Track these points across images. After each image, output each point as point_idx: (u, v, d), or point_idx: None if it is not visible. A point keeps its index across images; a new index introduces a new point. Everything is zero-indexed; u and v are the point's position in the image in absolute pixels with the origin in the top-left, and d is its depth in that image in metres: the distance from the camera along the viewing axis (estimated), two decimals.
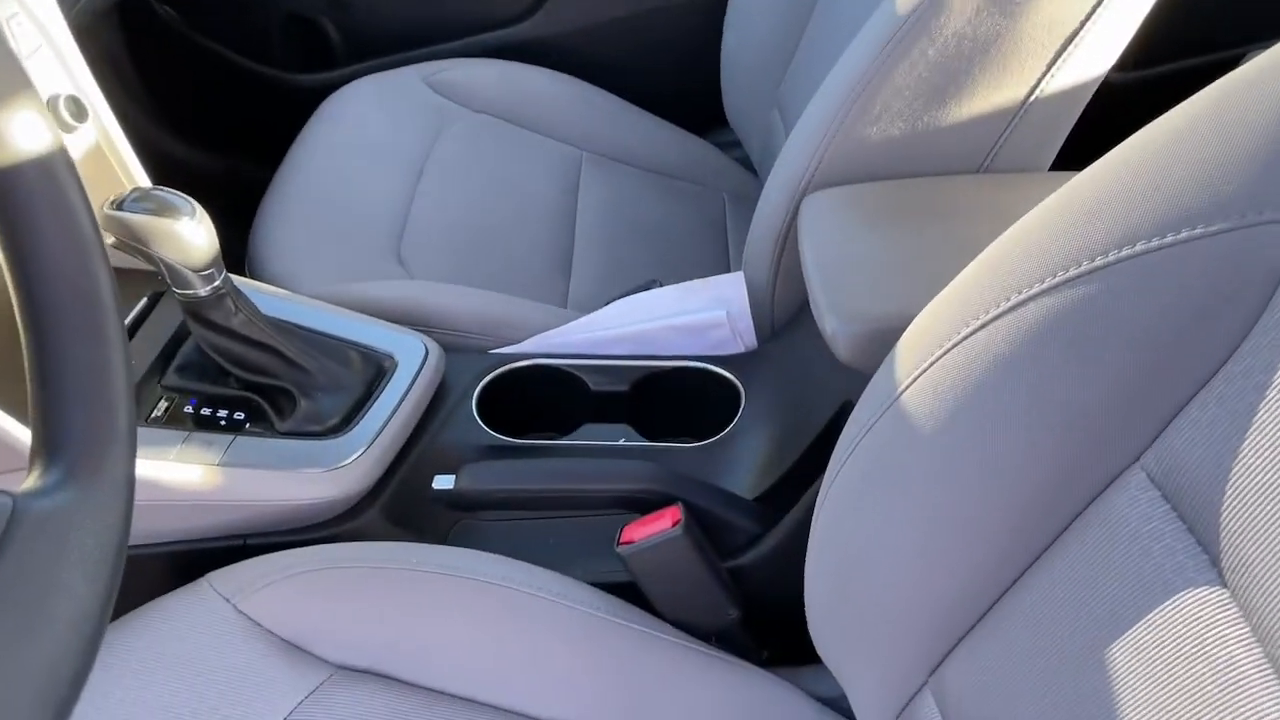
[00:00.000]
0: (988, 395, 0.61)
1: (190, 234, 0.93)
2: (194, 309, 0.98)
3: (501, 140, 1.57)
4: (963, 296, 0.65)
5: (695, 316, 1.14)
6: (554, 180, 1.52)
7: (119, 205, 0.93)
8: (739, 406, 1.13)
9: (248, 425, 1.01)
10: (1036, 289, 0.59)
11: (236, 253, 1.30)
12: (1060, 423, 0.58)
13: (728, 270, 1.24)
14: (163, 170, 1.18)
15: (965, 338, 0.64)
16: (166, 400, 1.02)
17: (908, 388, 0.68)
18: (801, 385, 1.11)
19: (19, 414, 0.87)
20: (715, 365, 1.16)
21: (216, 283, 0.97)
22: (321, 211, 1.35)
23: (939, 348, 0.66)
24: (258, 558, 0.91)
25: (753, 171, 1.68)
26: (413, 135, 1.52)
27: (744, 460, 1.08)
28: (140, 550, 0.97)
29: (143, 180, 1.09)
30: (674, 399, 1.16)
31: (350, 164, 1.44)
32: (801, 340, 1.15)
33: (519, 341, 1.19)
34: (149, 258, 0.94)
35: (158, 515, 0.95)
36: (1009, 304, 0.61)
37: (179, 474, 0.95)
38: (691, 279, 1.17)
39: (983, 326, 0.63)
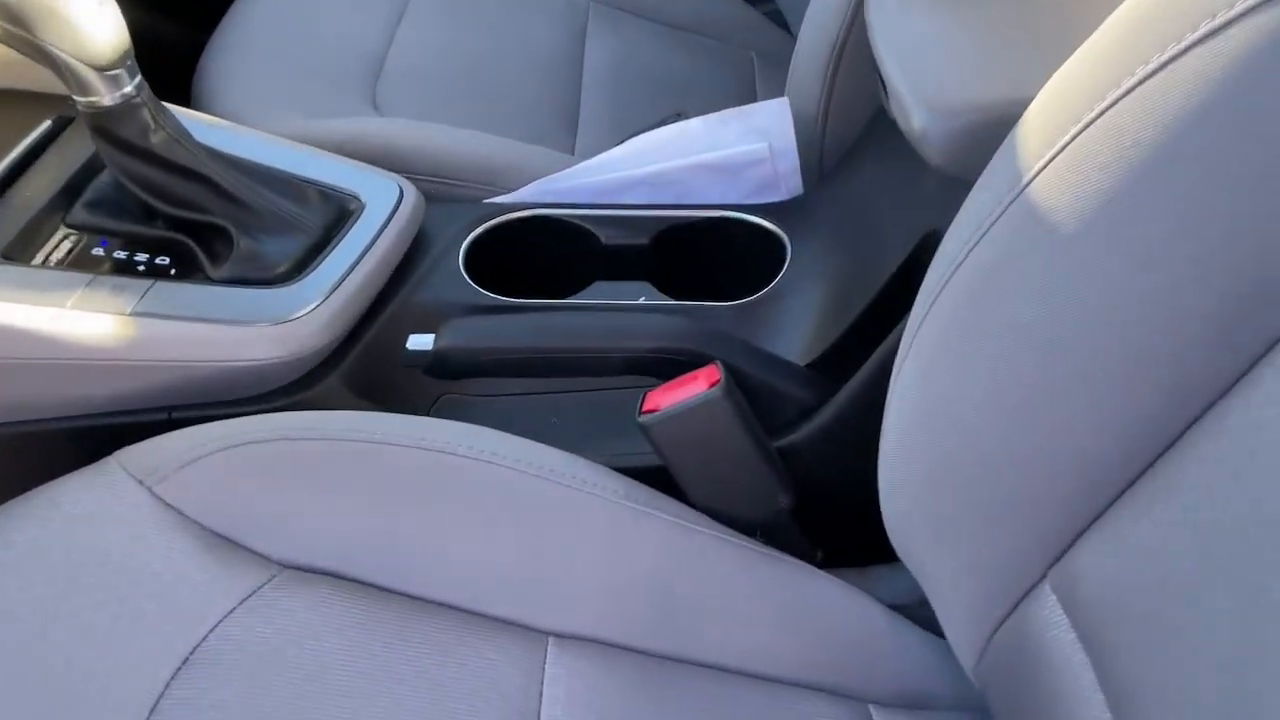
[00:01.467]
0: (1167, 162, 0.42)
1: (86, 14, 0.73)
2: (100, 123, 0.78)
3: None
4: (1110, 51, 0.47)
5: (730, 152, 0.93)
6: (556, 28, 1.30)
7: None
8: (783, 263, 0.93)
9: (173, 272, 0.80)
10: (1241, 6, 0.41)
11: (181, 87, 1.09)
12: None
13: None
14: None
15: (1128, 91, 0.45)
16: (70, 241, 0.81)
17: (1038, 174, 0.48)
18: (859, 233, 0.90)
19: None
20: (753, 215, 0.96)
21: (127, 89, 0.77)
22: (285, 42, 1.14)
23: (1085, 114, 0.46)
24: (180, 430, 0.71)
25: (785, 28, 1.47)
26: None
27: (791, 322, 0.88)
28: (30, 426, 0.77)
29: None
30: (703, 255, 0.96)
31: None
32: (859, 182, 0.95)
33: (516, 190, 0.98)
34: (37, 52, 0.74)
35: (53, 379, 0.76)
36: (1205, 29, 0.42)
37: (78, 325, 0.75)
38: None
39: (1156, 71, 0.44)
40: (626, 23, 1.36)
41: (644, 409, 0.73)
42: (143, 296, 0.77)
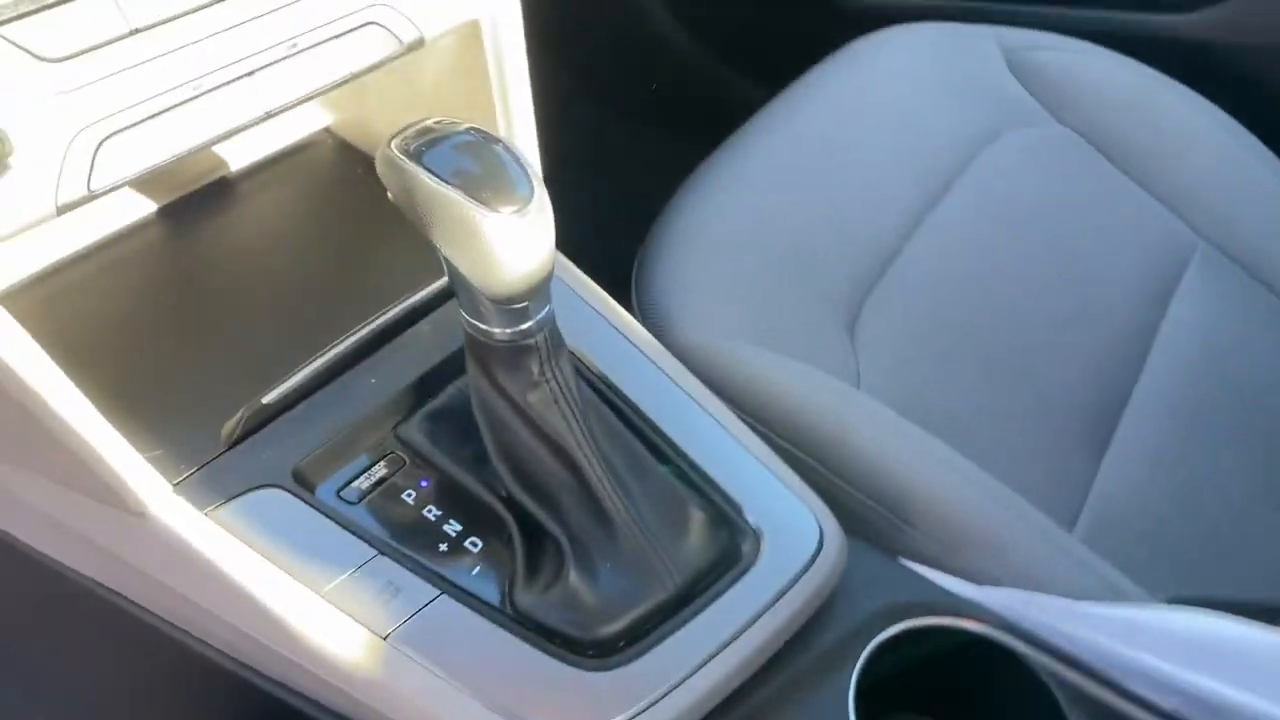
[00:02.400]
0: None
1: (507, 239, 0.51)
2: (478, 352, 0.57)
3: (1081, 178, 1.02)
4: None
5: None
6: (1134, 270, 0.95)
7: (409, 146, 0.52)
8: None
9: (474, 570, 0.59)
10: None
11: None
12: None
13: None
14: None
15: None
16: (386, 466, 0.62)
17: None
18: None
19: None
20: None
21: (526, 325, 0.55)
22: (776, 210, 0.89)
23: None
24: None
25: None
26: (956, 129, 1.00)
27: None
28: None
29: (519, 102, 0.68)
30: None
31: (845, 146, 0.96)
32: None
33: (977, 573, 0.68)
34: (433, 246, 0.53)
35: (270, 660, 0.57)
36: None
37: (317, 625, 0.55)
38: None
39: None
40: (1244, 289, 0.98)
41: None
42: (413, 615, 0.55)
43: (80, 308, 0.66)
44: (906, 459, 0.70)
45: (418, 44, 0.63)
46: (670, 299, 0.79)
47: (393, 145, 0.53)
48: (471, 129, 0.54)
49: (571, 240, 0.75)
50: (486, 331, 0.55)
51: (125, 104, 0.51)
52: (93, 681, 0.79)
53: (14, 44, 0.48)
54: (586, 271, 0.74)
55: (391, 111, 0.75)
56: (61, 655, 0.79)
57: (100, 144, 0.51)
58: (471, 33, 0.67)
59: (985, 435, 0.78)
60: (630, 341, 0.69)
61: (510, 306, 0.54)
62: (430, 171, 0.51)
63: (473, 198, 0.51)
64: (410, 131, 0.53)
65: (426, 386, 0.64)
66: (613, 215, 1.00)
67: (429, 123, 0.54)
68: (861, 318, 0.83)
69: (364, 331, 0.65)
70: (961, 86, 1.06)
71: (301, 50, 0.57)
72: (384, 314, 0.66)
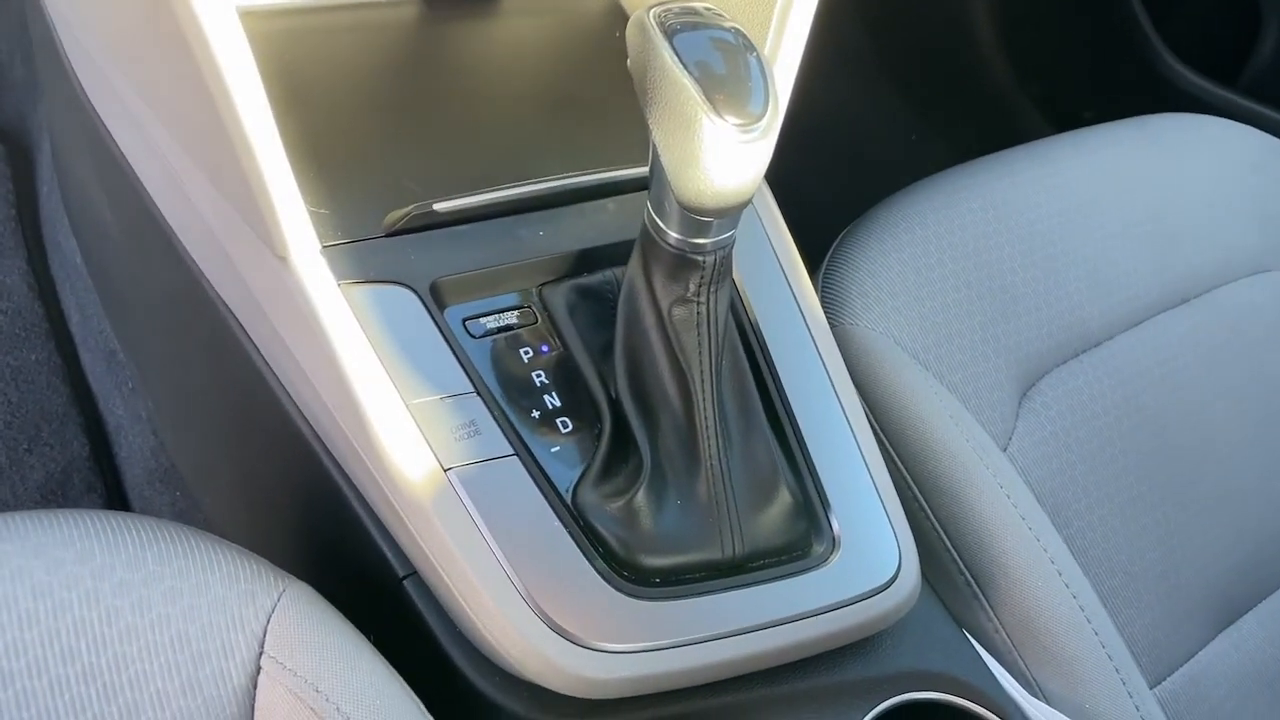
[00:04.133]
0: None
1: (719, 149, 0.49)
2: (647, 245, 0.55)
3: None
4: None
5: None
6: None
7: (666, 20, 0.50)
8: None
9: (554, 450, 0.58)
10: None
11: None
12: None
13: None
14: None
15: None
16: (521, 315, 0.61)
17: None
18: None
19: None
20: None
21: (702, 241, 0.53)
22: (1000, 241, 0.83)
23: None
24: None
25: None
26: (1228, 244, 0.92)
27: None
28: None
29: None
30: None
31: (1101, 211, 0.89)
32: None
33: (1034, 682, 0.63)
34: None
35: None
36: None
37: (380, 428, 0.55)
38: None
39: None
40: None
41: None
42: (481, 461, 0.55)
43: (313, 51, 0.67)
44: (1018, 544, 0.65)
45: None
46: (858, 282, 0.76)
47: (652, 13, 0.51)
48: (736, 29, 0.52)
49: (786, 183, 0.72)
50: (662, 230, 0.53)
51: None
52: (196, 392, 0.84)
53: None
54: (788, 221, 0.71)
55: None
56: (179, 356, 0.84)
57: None
58: None
59: (1112, 559, 0.72)
60: (798, 304, 0.66)
61: (695, 216, 0.52)
62: (675, 52, 0.49)
63: (704, 95, 0.48)
64: (675, 6, 0.51)
65: (588, 260, 0.63)
66: (839, 181, 0.96)
67: (698, 5, 0.52)
68: (1040, 386, 0.78)
69: (555, 183, 0.64)
70: (1253, 204, 0.97)
71: None
72: (582, 175, 0.65)
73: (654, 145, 0.51)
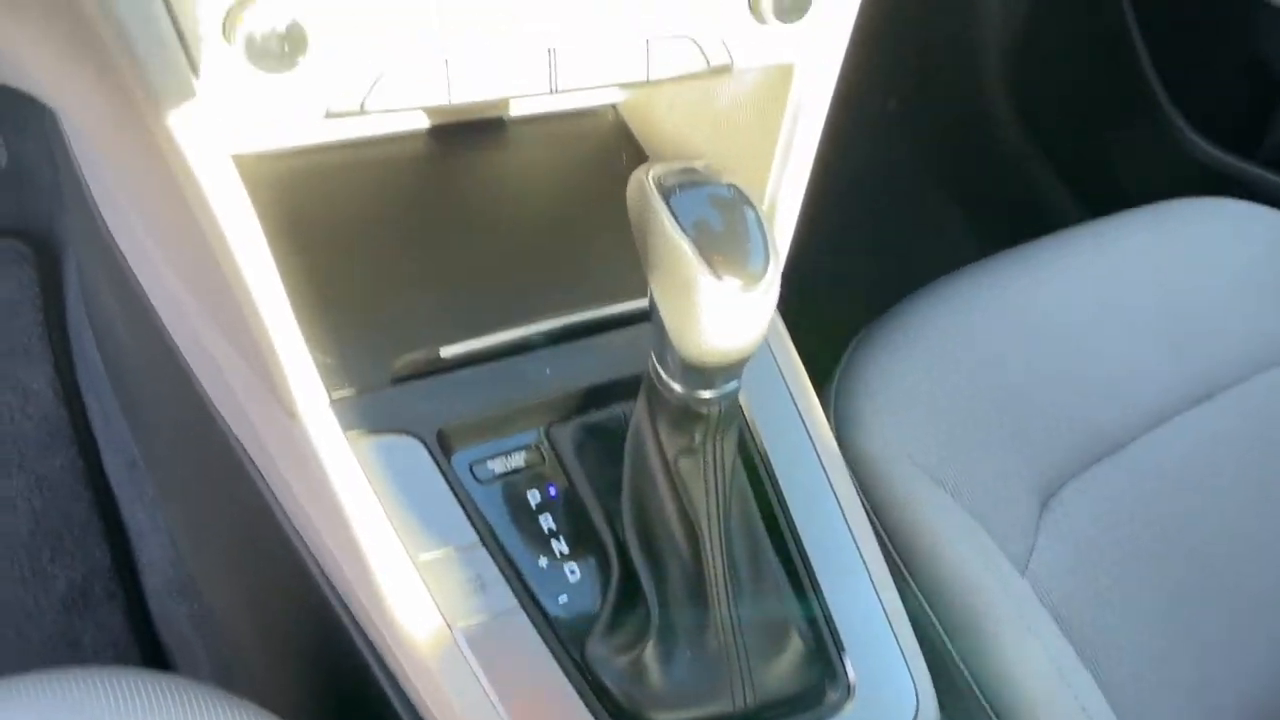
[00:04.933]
0: None
1: (719, 310, 0.48)
2: (651, 393, 0.55)
3: None
4: None
5: None
6: None
7: (663, 180, 0.50)
8: None
9: (562, 600, 0.57)
10: None
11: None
12: None
13: None
14: None
15: None
16: (529, 455, 0.61)
17: None
18: None
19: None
20: None
21: (706, 394, 0.52)
22: (1015, 345, 0.82)
23: None
24: None
25: None
26: (1250, 336, 0.91)
27: None
28: None
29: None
30: None
31: (1116, 308, 0.88)
32: None
33: None
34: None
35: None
36: None
37: (389, 587, 0.55)
38: None
39: None
40: None
41: None
42: (487, 618, 0.55)
43: (311, 192, 0.67)
44: (1043, 685, 0.64)
45: (724, 69, 0.61)
46: (870, 396, 0.75)
47: (650, 173, 0.51)
48: (733, 186, 0.52)
49: (799, 296, 0.71)
50: (665, 381, 0.53)
51: (425, 38, 0.52)
52: (211, 515, 0.84)
53: None
54: (799, 332, 0.70)
55: (678, 114, 0.74)
56: (195, 477, 0.84)
57: (388, 71, 0.51)
58: (781, 76, 0.64)
59: (1140, 683, 0.71)
60: (808, 433, 0.66)
61: (697, 371, 0.52)
62: (672, 213, 0.49)
63: (702, 255, 0.48)
64: (675, 166, 0.51)
65: (595, 397, 0.63)
66: (858, 261, 0.95)
67: (696, 164, 0.52)
68: (1061, 495, 0.77)
69: (561, 320, 0.64)
70: (1277, 291, 0.96)
71: (608, 44, 0.56)
72: (586, 311, 0.65)
73: (652, 301, 0.51)
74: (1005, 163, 1.54)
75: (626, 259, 0.68)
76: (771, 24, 0.59)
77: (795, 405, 0.66)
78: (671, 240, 0.49)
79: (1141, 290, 0.90)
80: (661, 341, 0.52)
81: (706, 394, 0.52)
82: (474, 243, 0.69)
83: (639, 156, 0.75)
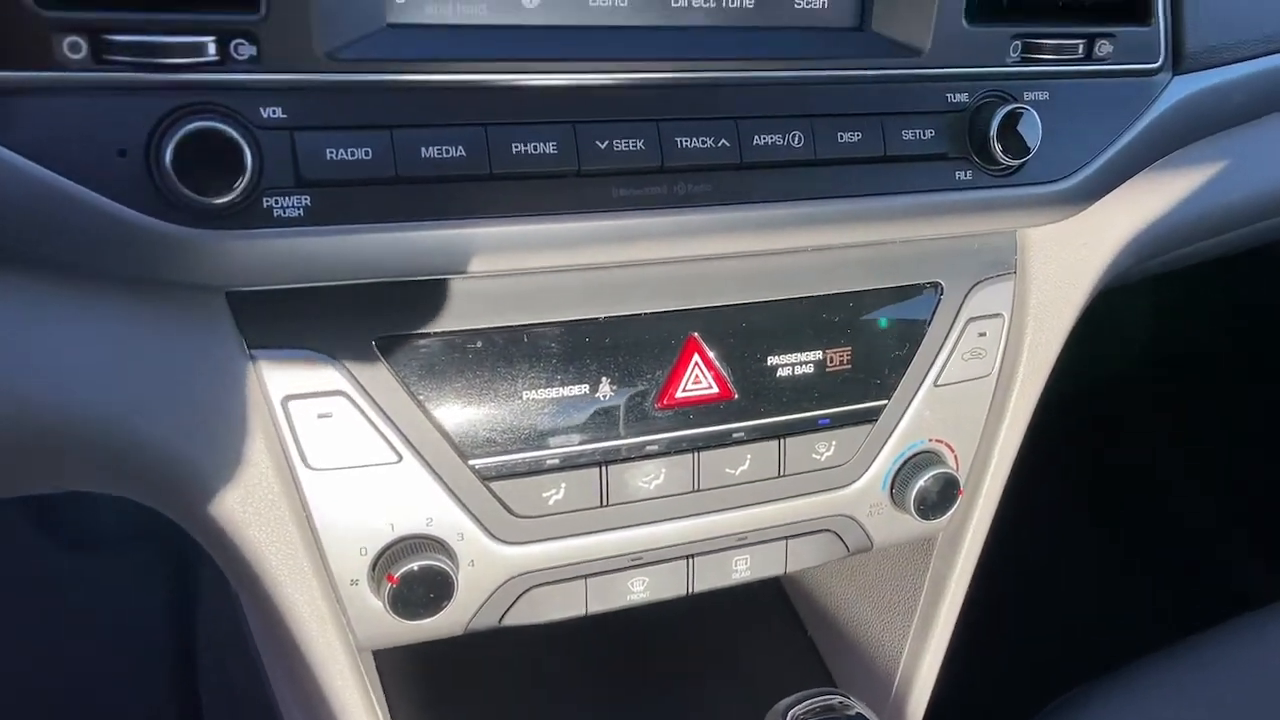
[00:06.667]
0: None
1: None
2: None
3: None
4: None
5: None
6: None
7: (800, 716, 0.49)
8: None
9: None
10: None
11: None
12: None
13: None
14: None
15: None
16: None
17: None
18: None
19: None
20: None
21: None
22: None
23: None
24: None
25: None
26: None
27: None
28: None
29: None
30: None
31: None
32: None
33: None
34: None
35: None
36: None
37: None
38: None
39: None
40: None
41: None
42: None
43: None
44: None
45: (864, 549, 0.60)
46: None
47: (791, 712, 0.49)
48: (861, 715, 0.50)
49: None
50: None
51: (564, 561, 0.52)
52: None
53: (494, 496, 0.50)
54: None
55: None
56: None
57: (526, 591, 0.52)
58: (923, 543, 0.63)
59: None
60: None
61: None
62: None
63: None
64: (815, 704, 0.50)
65: None
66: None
67: (834, 701, 0.50)
68: None
69: None
70: None
71: (749, 545, 0.56)
72: None
73: None
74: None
75: None
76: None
77: None
78: None
79: None
80: None
81: None
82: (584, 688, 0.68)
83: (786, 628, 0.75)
